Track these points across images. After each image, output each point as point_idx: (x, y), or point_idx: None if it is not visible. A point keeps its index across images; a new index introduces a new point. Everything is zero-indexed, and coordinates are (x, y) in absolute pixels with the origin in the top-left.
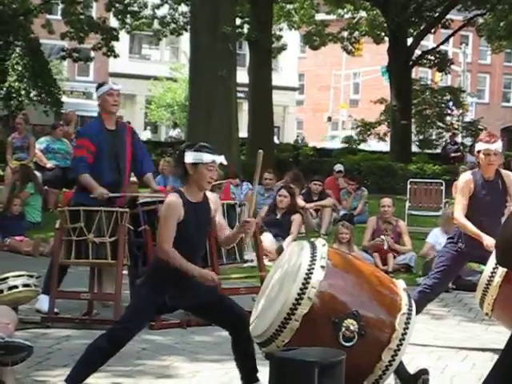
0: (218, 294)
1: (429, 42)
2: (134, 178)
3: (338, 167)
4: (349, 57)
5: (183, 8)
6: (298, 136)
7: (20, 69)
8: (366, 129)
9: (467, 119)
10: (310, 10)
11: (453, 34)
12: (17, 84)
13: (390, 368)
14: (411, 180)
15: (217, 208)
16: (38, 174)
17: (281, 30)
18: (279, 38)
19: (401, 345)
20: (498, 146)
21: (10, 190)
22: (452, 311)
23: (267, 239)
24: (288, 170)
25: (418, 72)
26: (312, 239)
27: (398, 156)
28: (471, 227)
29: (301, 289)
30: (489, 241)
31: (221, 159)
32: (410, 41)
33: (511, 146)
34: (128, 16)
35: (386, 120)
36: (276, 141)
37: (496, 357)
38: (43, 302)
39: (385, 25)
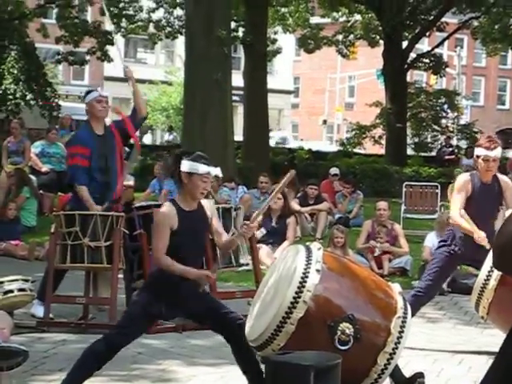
0: (212, 300)
1: (424, 45)
2: (130, 182)
3: (334, 170)
4: (344, 60)
5: (178, 11)
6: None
7: (15, 72)
8: (361, 132)
9: (462, 122)
10: (305, 13)
11: (448, 37)
12: (12, 87)
13: (386, 371)
14: (406, 183)
15: (213, 214)
16: (33, 177)
17: (276, 33)
18: (274, 41)
19: (396, 348)
20: (497, 152)
21: (6, 194)
22: (447, 314)
23: (264, 252)
24: (283, 173)
25: (413, 75)
26: (307, 243)
27: (394, 159)
28: (465, 224)
29: (296, 292)
30: (479, 234)
31: (216, 171)
32: (404, 44)
33: (506, 148)
34: (123, 20)
35: (381, 123)
36: (271, 144)
37: (491, 360)
38: (38, 307)
39: (380, 28)
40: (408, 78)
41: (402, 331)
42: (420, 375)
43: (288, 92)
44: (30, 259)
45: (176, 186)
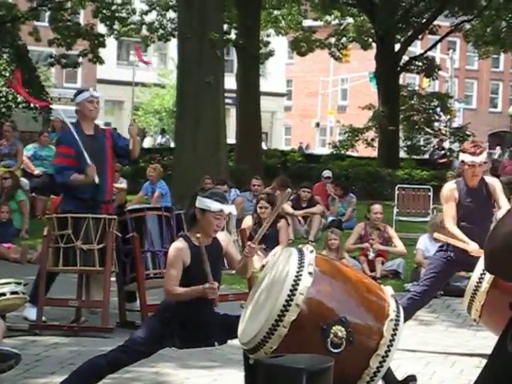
0: (226, 317)
1: (416, 48)
2: (123, 185)
3: (327, 173)
4: (336, 63)
5: (171, 14)
6: (301, 143)
7: (8, 75)
8: (353, 135)
9: (455, 125)
10: (298, 16)
11: (440, 40)
12: (4, 89)
13: (378, 374)
14: (399, 186)
15: (228, 243)
16: (25, 180)
17: (268, 35)
18: (267, 43)
19: (389, 351)
20: (482, 157)
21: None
22: (440, 317)
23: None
24: (276, 176)
25: (405, 78)
26: (300, 246)
27: (386, 162)
28: (459, 234)
29: (288, 295)
30: (472, 247)
31: (230, 209)
32: (397, 47)
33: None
34: (116, 22)
35: (373, 126)
36: (264, 147)
37: (484, 362)
38: (30, 310)
39: (372, 31)
40: (401, 81)
41: (395, 334)
42: (412, 378)
43: (281, 95)
44: (22, 262)
45: (189, 222)
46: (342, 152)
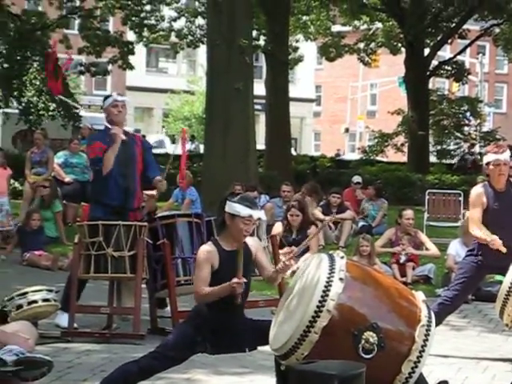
0: (255, 322)
1: (446, 53)
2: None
3: (356, 179)
4: (365, 68)
5: (200, 21)
6: (338, 150)
7: (38, 83)
8: (383, 140)
9: (485, 129)
10: (326, 21)
11: (470, 44)
12: (35, 99)
13: (410, 380)
14: (429, 191)
15: (258, 249)
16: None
17: (297, 41)
18: (296, 49)
19: (421, 356)
20: (507, 155)
21: (29, 204)
22: (472, 322)
23: None
24: (306, 181)
25: (435, 82)
26: (330, 252)
27: (416, 167)
28: (479, 234)
29: (320, 301)
30: (493, 237)
31: (259, 215)
32: (426, 51)
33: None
34: (145, 29)
35: (403, 131)
36: (293, 152)
37: None
38: (62, 318)
39: (401, 35)
40: (430, 86)
41: (427, 339)
42: (444, 383)
43: (310, 100)
44: (53, 269)
45: (219, 227)
46: (372, 157)
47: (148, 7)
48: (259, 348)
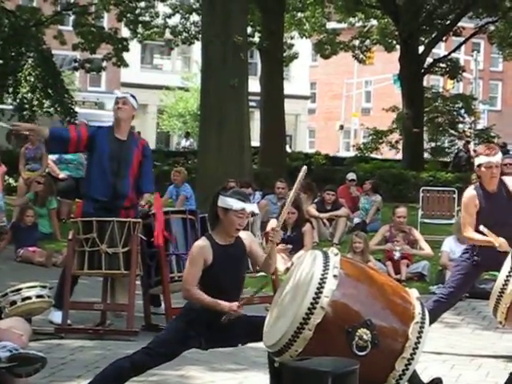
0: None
1: (440, 50)
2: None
3: (351, 176)
4: (360, 65)
5: (195, 17)
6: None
7: (32, 80)
8: (378, 137)
9: (479, 127)
10: (321, 18)
11: (464, 42)
12: (29, 95)
13: (404, 377)
14: (423, 188)
15: (251, 242)
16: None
17: (292, 38)
18: (290, 46)
19: (414, 354)
20: (498, 157)
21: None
22: (466, 319)
23: (277, 260)
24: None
25: (429, 80)
26: (325, 249)
27: (411, 164)
28: (480, 237)
29: (314, 298)
30: (498, 241)
31: (252, 208)
32: (421, 49)
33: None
34: (139, 26)
35: (397, 128)
36: (288, 149)
37: (511, 365)
38: (55, 314)
39: (396, 33)
40: (425, 83)
41: (420, 336)
42: (438, 381)
43: (305, 97)
44: (47, 266)
45: (212, 221)
46: (366, 154)
47: (143, 4)
48: (253, 345)
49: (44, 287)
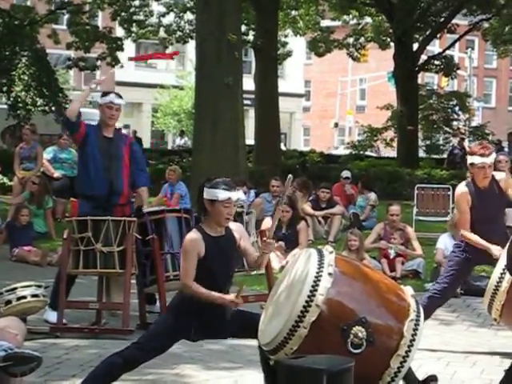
0: (243, 313)
1: (435, 47)
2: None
3: (345, 173)
4: (355, 63)
5: (189, 16)
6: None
7: (26, 78)
8: (372, 135)
9: (474, 124)
10: (315, 16)
11: (458, 39)
12: (23, 94)
13: (399, 375)
14: (418, 185)
15: (242, 235)
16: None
17: (286, 36)
18: (285, 44)
19: (409, 351)
20: (492, 158)
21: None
22: (460, 317)
23: (272, 257)
24: (295, 176)
25: (424, 77)
26: (319, 246)
27: (405, 161)
28: (479, 240)
29: (309, 296)
30: (497, 251)
31: (238, 195)
32: (415, 46)
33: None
34: (134, 25)
35: (392, 125)
36: (283, 147)
37: (506, 362)
38: (51, 313)
39: (390, 30)
40: (419, 80)
41: (415, 334)
42: (433, 378)
43: (299, 95)
44: (42, 265)
45: (202, 214)
46: (361, 152)
47: (137, 2)
48: (248, 343)
49: (39, 286)
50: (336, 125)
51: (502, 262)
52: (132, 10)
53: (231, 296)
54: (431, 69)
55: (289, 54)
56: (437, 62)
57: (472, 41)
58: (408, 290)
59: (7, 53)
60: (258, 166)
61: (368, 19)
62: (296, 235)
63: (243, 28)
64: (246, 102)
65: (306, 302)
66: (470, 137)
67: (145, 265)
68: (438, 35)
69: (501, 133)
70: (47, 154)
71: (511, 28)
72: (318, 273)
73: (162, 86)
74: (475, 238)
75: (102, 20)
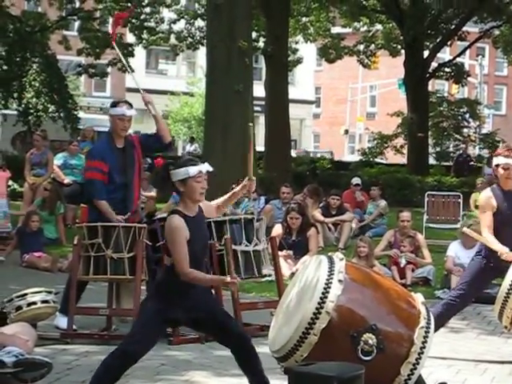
0: (220, 310)
1: (445, 55)
2: (152, 193)
3: (356, 180)
4: (365, 70)
5: (199, 23)
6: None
7: (37, 85)
8: (382, 141)
9: (484, 131)
10: (326, 22)
11: (469, 46)
12: (34, 100)
13: (409, 382)
14: (429, 192)
15: (207, 206)
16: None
17: (297, 42)
18: (295, 51)
19: (419, 358)
20: None
21: (29, 205)
22: (471, 324)
23: (282, 263)
24: (305, 183)
25: (434, 84)
26: (330, 253)
27: (415, 168)
28: (494, 243)
29: (319, 303)
30: (504, 250)
31: (206, 167)
32: (426, 53)
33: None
34: (144, 31)
35: (402, 132)
36: (293, 154)
37: None
38: (61, 319)
39: (401, 37)
40: (429, 88)
41: (425, 341)
42: None
43: (309, 102)
44: (53, 271)
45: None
46: (371, 159)
47: (148, 9)
48: (258, 350)
49: (49, 292)
50: (346, 131)
51: None
52: (143, 16)
53: (227, 278)
54: (441, 76)
55: (299, 61)
56: (447, 69)
57: (482, 48)
58: (418, 298)
59: (18, 59)
60: (268, 173)
61: (378, 26)
62: (306, 242)
63: (254, 35)
64: (256, 108)
65: (317, 308)
66: (480, 144)
67: (155, 271)
68: (449, 42)
69: (511, 140)
70: (57, 160)
71: None
72: (328, 280)
73: (172, 93)
74: (491, 240)
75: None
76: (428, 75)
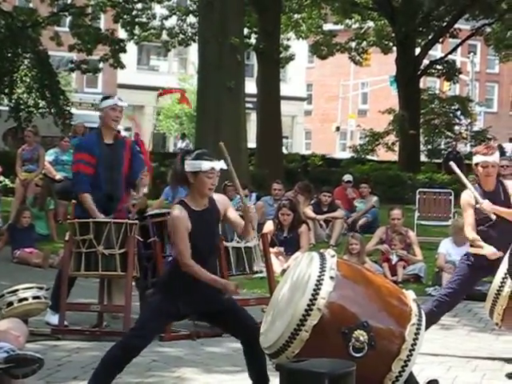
0: (231, 301)
1: (437, 52)
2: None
3: (347, 177)
4: (357, 67)
5: (191, 19)
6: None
7: (28, 80)
8: (374, 139)
9: (476, 128)
10: (318, 19)
11: (461, 44)
12: (25, 96)
13: (400, 379)
14: (420, 190)
15: (226, 206)
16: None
17: (288, 39)
18: (287, 47)
19: (411, 355)
20: (495, 157)
21: (21, 202)
22: (462, 321)
23: (273, 261)
24: (297, 180)
25: (426, 82)
26: (321, 250)
27: (407, 166)
28: (476, 241)
29: (310, 300)
30: (489, 251)
31: (220, 165)
32: (417, 50)
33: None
34: (136, 27)
35: (394, 130)
36: (284, 151)
37: (507, 366)
38: (52, 316)
39: (392, 35)
40: (421, 85)
41: (417, 338)
42: (434, 382)
43: (301, 99)
44: (44, 267)
45: (185, 188)
46: (363, 156)
47: (139, 5)
48: None
49: (41, 288)
50: (338, 128)
51: (504, 267)
52: (134, 12)
53: (232, 285)
54: (433, 73)
55: (291, 58)
56: (439, 67)
57: (474, 45)
58: (410, 295)
59: (9, 54)
60: (259, 170)
61: (370, 23)
62: (297, 239)
63: (246, 31)
64: (247, 105)
65: (308, 305)
66: (472, 141)
67: (146, 267)
68: (441, 40)
69: (502, 137)
70: (49, 156)
71: None
72: (319, 276)
73: (163, 89)
74: (473, 237)
75: (104, 22)
76: (420, 72)
